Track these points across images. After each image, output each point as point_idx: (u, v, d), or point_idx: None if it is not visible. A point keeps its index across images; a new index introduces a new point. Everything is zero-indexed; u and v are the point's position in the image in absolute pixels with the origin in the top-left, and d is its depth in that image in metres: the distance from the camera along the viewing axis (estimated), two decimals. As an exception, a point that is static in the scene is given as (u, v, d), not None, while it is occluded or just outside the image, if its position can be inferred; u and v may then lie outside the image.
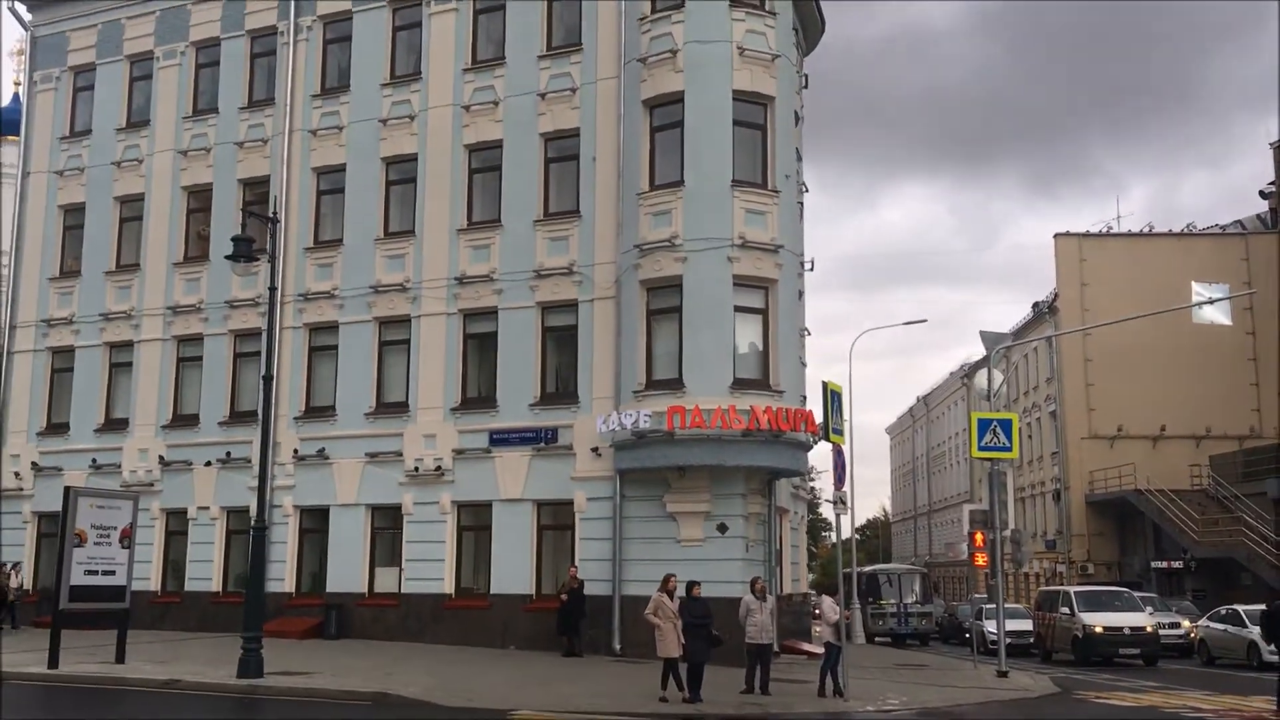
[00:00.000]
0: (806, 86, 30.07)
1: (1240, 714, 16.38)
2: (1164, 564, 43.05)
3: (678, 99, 23.79)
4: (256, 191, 29.07)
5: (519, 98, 26.34)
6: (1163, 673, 25.06)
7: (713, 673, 17.03)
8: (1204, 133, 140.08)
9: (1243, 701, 18.14)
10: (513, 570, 24.69)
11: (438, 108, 27.17)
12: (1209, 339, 46.37)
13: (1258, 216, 52.38)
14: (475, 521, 25.59)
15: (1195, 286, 25.52)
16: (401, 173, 27.69)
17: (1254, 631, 26.64)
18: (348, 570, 26.22)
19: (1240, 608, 28.75)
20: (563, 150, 26.03)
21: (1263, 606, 29.36)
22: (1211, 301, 25.05)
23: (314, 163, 28.49)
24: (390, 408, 26.67)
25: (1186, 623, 31.60)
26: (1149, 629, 27.59)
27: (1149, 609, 30.00)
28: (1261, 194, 52.23)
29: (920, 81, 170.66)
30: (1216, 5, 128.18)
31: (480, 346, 26.35)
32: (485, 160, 26.85)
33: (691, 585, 16.99)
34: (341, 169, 28.21)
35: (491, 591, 24.84)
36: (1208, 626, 29.10)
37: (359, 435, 26.67)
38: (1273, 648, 18.42)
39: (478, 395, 26.09)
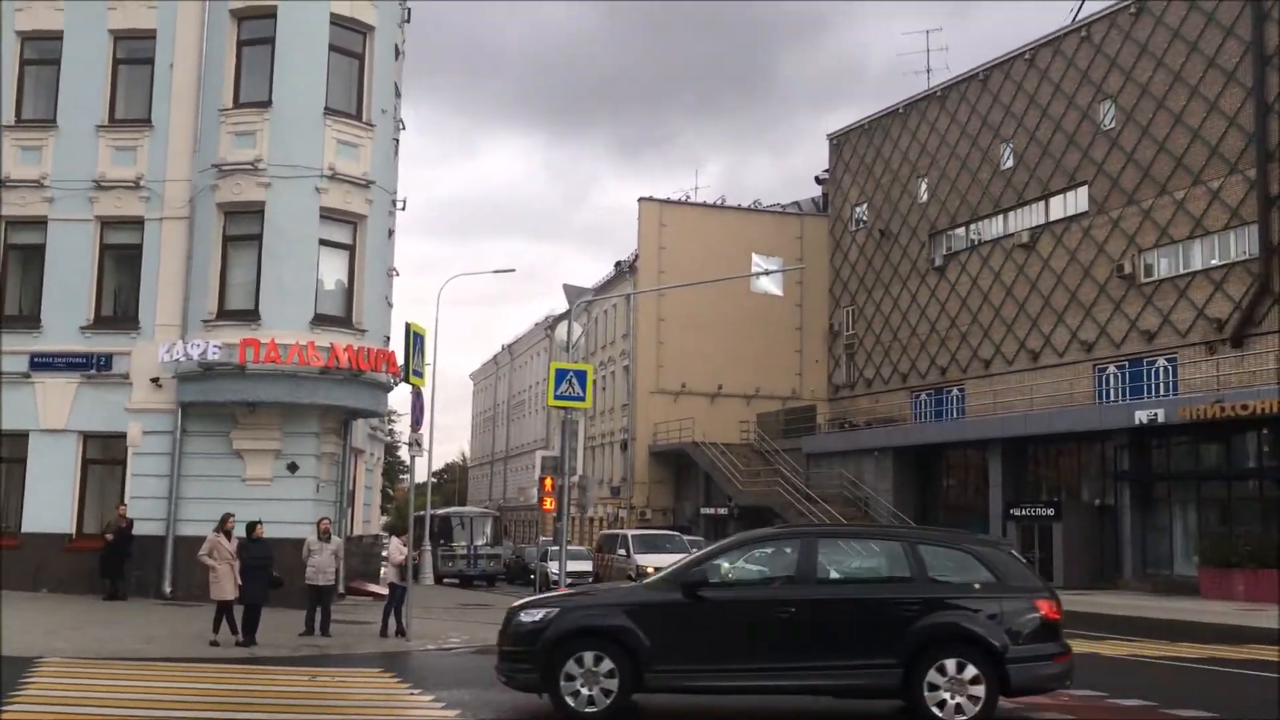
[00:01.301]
0: (409, 20, 29.36)
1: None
2: (712, 510, 47.18)
3: (270, 14, 22.54)
4: None
5: (87, -14, 23.69)
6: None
7: (276, 615, 16.55)
8: (771, 121, 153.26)
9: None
10: (50, 507, 22.59)
11: (-15, -17, 23.85)
12: (763, 307, 51.11)
13: (812, 200, 57.99)
14: (8, 453, 23.10)
15: (755, 258, 27.89)
16: (-66, 52, 24.05)
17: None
18: None
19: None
20: (135, 52, 23.84)
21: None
22: (768, 273, 27.58)
23: None
24: (-95, 321, 23.27)
25: (726, 563, 34.69)
26: (693, 569, 30.02)
27: (694, 550, 32.64)
28: (817, 179, 57.87)
29: (521, 35, 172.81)
30: (790, 5, 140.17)
31: (24, 259, 23.69)
32: (42, 51, 23.99)
33: (252, 526, 16.41)
34: None
35: (23, 530, 22.61)
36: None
37: None
38: None
39: (18, 313, 23.47)
